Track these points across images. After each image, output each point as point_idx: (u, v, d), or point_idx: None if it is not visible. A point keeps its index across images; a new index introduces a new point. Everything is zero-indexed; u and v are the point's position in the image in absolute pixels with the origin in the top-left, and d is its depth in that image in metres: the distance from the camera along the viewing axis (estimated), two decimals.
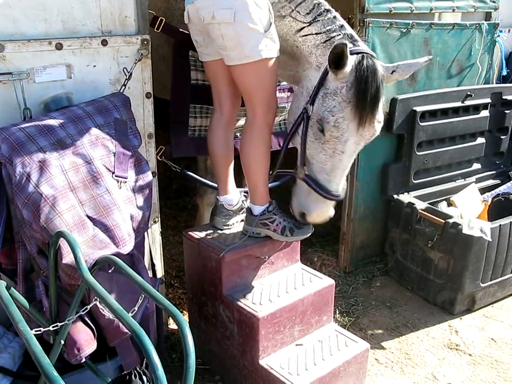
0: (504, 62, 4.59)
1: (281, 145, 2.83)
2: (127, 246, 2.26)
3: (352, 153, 2.53)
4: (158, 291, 1.77)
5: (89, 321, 2.08)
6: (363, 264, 4.38)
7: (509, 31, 4.69)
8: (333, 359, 2.78)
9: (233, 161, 3.02)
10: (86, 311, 1.81)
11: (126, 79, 2.62)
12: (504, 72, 4.62)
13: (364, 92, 2.35)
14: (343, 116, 2.39)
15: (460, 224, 3.61)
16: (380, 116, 2.47)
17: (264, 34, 2.46)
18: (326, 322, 3.07)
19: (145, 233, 2.60)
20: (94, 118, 2.34)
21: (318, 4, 2.62)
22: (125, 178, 2.35)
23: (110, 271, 2.16)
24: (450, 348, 3.48)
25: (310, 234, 2.92)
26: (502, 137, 4.67)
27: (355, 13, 3.57)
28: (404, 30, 3.76)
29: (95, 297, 1.74)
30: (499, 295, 4.00)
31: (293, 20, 2.62)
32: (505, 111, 4.57)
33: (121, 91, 2.61)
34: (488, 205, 4.31)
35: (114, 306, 1.59)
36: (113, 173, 2.29)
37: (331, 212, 2.74)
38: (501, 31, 4.47)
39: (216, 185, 3.20)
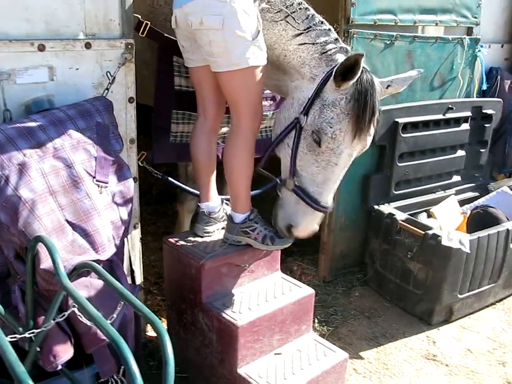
0: (484, 76, 4.67)
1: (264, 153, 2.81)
2: (107, 252, 2.23)
3: (344, 166, 2.53)
4: (137, 298, 1.75)
5: (66, 328, 2.05)
6: (342, 274, 4.39)
7: (489, 47, 4.77)
8: (311, 369, 2.77)
9: (215, 168, 3.01)
10: (63, 317, 1.78)
11: (109, 83, 2.59)
12: (485, 87, 4.70)
13: (364, 105, 2.37)
14: (341, 128, 2.41)
15: (439, 236, 3.64)
16: (372, 130, 2.49)
17: (252, 42, 2.46)
18: (305, 332, 3.06)
19: (125, 239, 2.56)
20: (76, 122, 2.31)
21: (312, 15, 2.63)
22: (106, 183, 2.32)
23: (88, 277, 2.13)
24: (428, 359, 3.49)
25: (290, 243, 2.91)
26: (481, 150, 4.74)
27: (340, 23, 3.58)
28: (388, 42, 3.80)
29: (73, 304, 1.71)
30: (476, 306, 4.04)
31: (287, 25, 2.60)
32: (485, 125, 4.64)
33: (104, 95, 2.58)
34: (467, 217, 4.36)
35: (93, 313, 1.56)
36: (94, 177, 2.27)
37: (317, 226, 2.71)
38: (481, 46, 4.55)
39: (197, 192, 3.18)
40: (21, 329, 1.98)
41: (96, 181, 2.27)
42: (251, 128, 2.69)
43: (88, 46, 2.51)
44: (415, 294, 3.87)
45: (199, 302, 2.84)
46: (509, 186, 4.67)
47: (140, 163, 2.98)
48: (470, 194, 4.77)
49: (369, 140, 2.52)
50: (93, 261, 2.02)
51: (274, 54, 2.70)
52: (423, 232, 3.74)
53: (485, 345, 3.68)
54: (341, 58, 2.55)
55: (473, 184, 4.82)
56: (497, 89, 4.78)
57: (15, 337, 1.74)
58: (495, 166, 5.10)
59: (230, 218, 2.89)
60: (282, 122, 2.68)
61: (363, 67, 2.44)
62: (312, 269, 4.43)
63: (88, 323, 1.67)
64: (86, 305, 1.61)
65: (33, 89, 2.43)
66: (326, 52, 2.59)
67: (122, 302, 1.75)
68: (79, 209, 2.17)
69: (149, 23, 2.82)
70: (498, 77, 4.80)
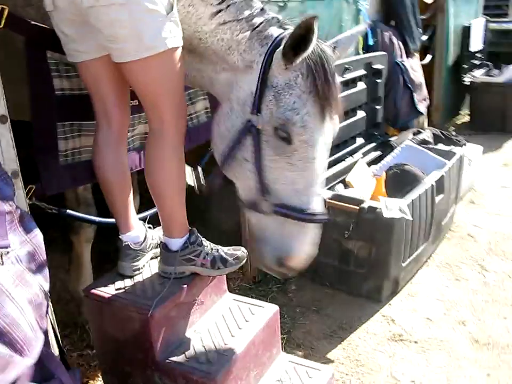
0: (369, 31, 4.44)
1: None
2: (35, 348, 1.51)
3: (323, 158, 1.99)
4: None
5: None
6: None
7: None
8: None
9: (131, 186, 2.34)
10: None
11: None
12: (371, 42, 4.47)
13: (325, 75, 1.85)
14: (308, 112, 1.86)
15: (377, 208, 3.34)
16: (340, 104, 2.00)
17: (167, 17, 1.83)
18: (276, 355, 2.57)
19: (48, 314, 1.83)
20: None
21: None
22: (7, 247, 1.58)
23: None
24: (395, 341, 3.21)
25: (245, 259, 2.38)
26: (377, 107, 4.56)
27: None
28: (282, 4, 3.36)
29: None
30: (414, 270, 3.89)
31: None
32: (377, 81, 4.44)
33: None
34: (380, 178, 4.14)
35: None
36: None
37: (314, 247, 2.12)
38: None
39: (107, 220, 2.50)
40: None
41: None
42: (177, 128, 2.07)
43: None
44: (358, 273, 3.58)
45: (152, 360, 2.19)
46: (410, 140, 4.56)
47: (28, 201, 2.21)
48: (374, 154, 4.59)
49: (337, 120, 2.04)
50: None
51: (183, 37, 2.05)
52: (358, 207, 3.42)
53: (439, 308, 3.52)
54: (275, 32, 1.99)
55: (374, 144, 4.64)
56: (381, 42, 4.61)
57: None
58: (387, 121, 4.99)
59: (164, 246, 2.27)
60: (225, 136, 2.03)
61: None
62: (238, 272, 3.92)
63: None
64: None
65: None
66: (255, 28, 2.01)
67: None
68: None
69: (6, 8, 2.01)
70: (379, 30, 4.62)
